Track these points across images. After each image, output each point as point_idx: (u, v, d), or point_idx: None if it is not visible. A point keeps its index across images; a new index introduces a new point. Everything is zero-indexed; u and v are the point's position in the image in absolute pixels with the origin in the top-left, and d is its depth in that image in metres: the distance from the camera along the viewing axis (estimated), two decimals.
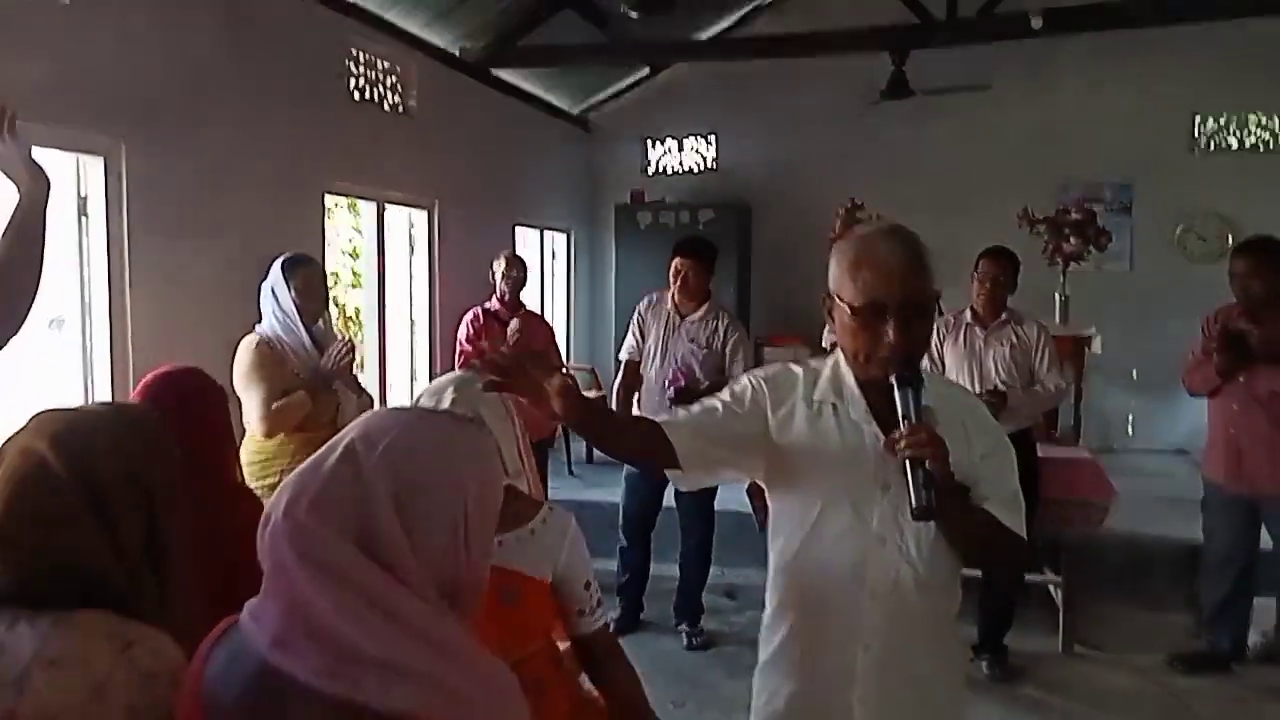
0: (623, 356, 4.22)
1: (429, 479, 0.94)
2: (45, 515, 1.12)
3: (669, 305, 3.99)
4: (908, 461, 1.38)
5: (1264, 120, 6.91)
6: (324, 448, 0.98)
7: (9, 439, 1.18)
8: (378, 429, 0.97)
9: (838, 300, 1.52)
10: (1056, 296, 5.59)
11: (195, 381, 1.86)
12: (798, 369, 1.63)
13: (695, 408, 1.64)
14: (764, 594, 1.67)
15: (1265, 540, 3.67)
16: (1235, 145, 6.96)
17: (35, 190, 1.66)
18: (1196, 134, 7.01)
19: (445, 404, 1.58)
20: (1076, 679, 3.74)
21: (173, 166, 3.57)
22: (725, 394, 1.65)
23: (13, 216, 1.64)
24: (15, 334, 1.60)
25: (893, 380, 1.44)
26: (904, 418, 1.41)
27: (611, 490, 4.10)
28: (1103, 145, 6.99)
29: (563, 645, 1.76)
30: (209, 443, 1.80)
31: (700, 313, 3.94)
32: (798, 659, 1.59)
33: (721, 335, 3.91)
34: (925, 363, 4.42)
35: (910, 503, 1.38)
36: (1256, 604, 3.76)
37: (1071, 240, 5.44)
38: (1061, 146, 7.06)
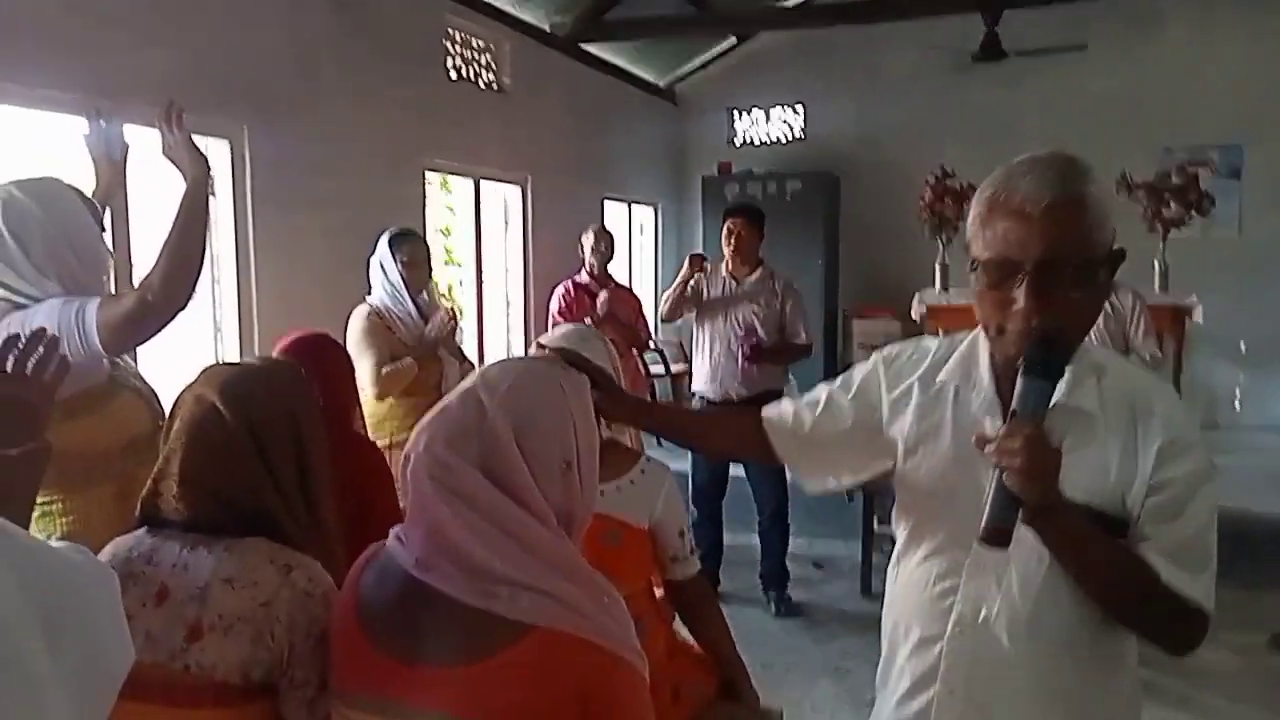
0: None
1: (544, 417, 1.07)
2: (218, 455, 1.29)
3: (724, 273, 4.17)
4: (998, 471, 1.08)
5: None
6: (450, 394, 1.12)
7: (183, 390, 1.36)
8: (497, 376, 1.11)
9: (971, 257, 1.20)
10: (1155, 264, 5.42)
11: (323, 342, 2.12)
12: (931, 343, 1.35)
13: (807, 398, 1.44)
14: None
15: None
16: None
17: (198, 175, 1.83)
18: None
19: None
20: (1172, 657, 3.70)
21: (289, 147, 3.82)
22: (837, 380, 1.42)
23: (181, 200, 1.81)
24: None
25: (1019, 363, 1.11)
26: (1012, 411, 1.10)
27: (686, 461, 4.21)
28: (1209, 105, 6.67)
29: (659, 592, 1.89)
30: (336, 396, 1.99)
31: (756, 275, 4.13)
32: (888, 679, 1.37)
33: (780, 294, 4.09)
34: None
35: (982, 518, 1.09)
36: None
37: (1172, 205, 5.24)
38: (1163, 108, 6.76)
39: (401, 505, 1.23)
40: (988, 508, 1.08)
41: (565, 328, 1.89)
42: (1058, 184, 1.11)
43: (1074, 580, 1.16)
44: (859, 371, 1.40)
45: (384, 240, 3.30)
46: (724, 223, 4.16)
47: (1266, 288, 5.97)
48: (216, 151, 3.56)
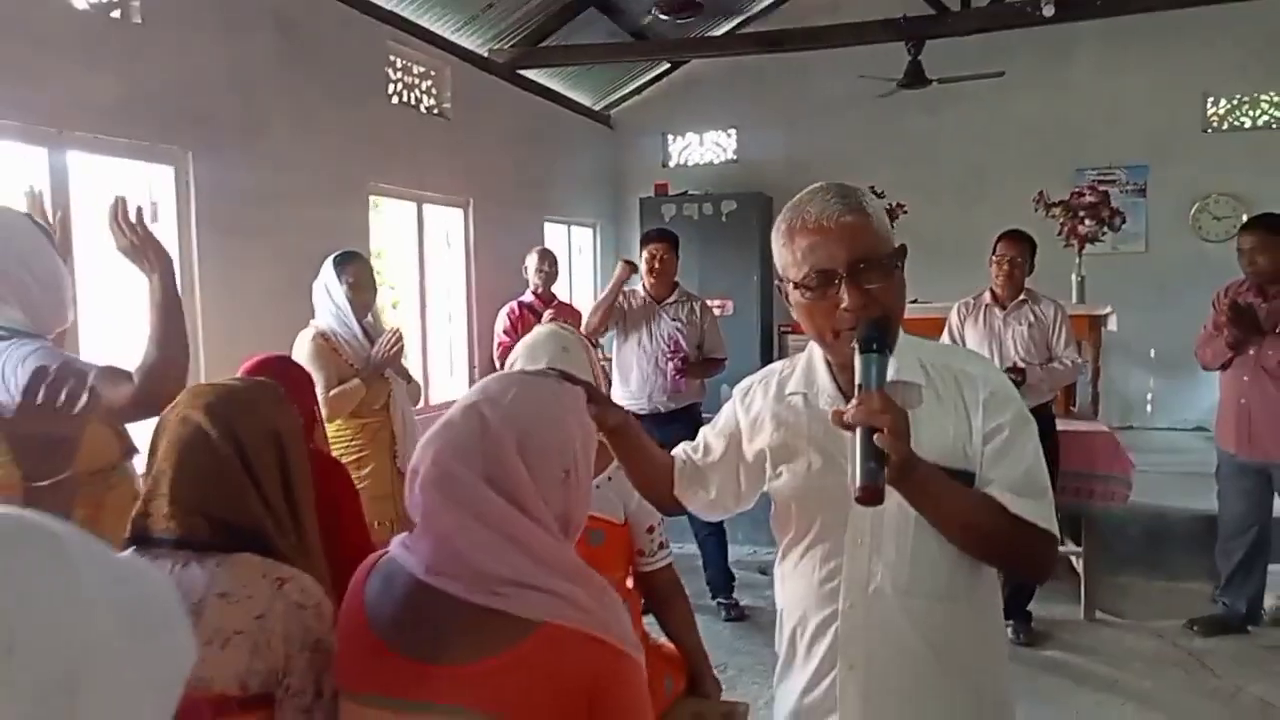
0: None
1: (544, 428, 1.13)
2: (207, 475, 1.32)
3: (643, 295, 4.39)
4: (857, 435, 1.15)
5: (1276, 100, 6.99)
6: (452, 409, 1.18)
7: (168, 411, 1.39)
8: (498, 390, 1.17)
9: (788, 283, 1.33)
10: (1073, 278, 5.71)
11: (284, 364, 2.17)
12: (777, 365, 1.50)
13: (692, 443, 1.57)
14: None
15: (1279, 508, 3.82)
16: (1248, 125, 7.05)
17: (164, 271, 1.83)
18: (1209, 115, 7.10)
19: (543, 363, 1.71)
20: (1098, 642, 3.89)
21: (233, 172, 3.80)
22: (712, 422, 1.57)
23: (151, 300, 1.81)
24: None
25: (853, 346, 1.24)
26: (859, 386, 1.20)
27: None
28: (1117, 128, 7.11)
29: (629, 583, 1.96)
30: (300, 413, 2.01)
31: (674, 296, 4.39)
32: (789, 675, 1.46)
33: (698, 314, 4.36)
34: (946, 337, 4.28)
35: (855, 482, 1.14)
36: (1271, 569, 3.90)
37: (1086, 222, 5.55)
38: (1076, 130, 7.17)
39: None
40: (857, 471, 1.14)
41: (546, 330, 1.94)
42: (841, 201, 1.29)
43: (939, 531, 1.27)
44: (724, 408, 1.54)
45: (328, 263, 3.30)
46: (643, 249, 4.41)
47: (1173, 299, 6.34)
48: (161, 178, 3.52)
